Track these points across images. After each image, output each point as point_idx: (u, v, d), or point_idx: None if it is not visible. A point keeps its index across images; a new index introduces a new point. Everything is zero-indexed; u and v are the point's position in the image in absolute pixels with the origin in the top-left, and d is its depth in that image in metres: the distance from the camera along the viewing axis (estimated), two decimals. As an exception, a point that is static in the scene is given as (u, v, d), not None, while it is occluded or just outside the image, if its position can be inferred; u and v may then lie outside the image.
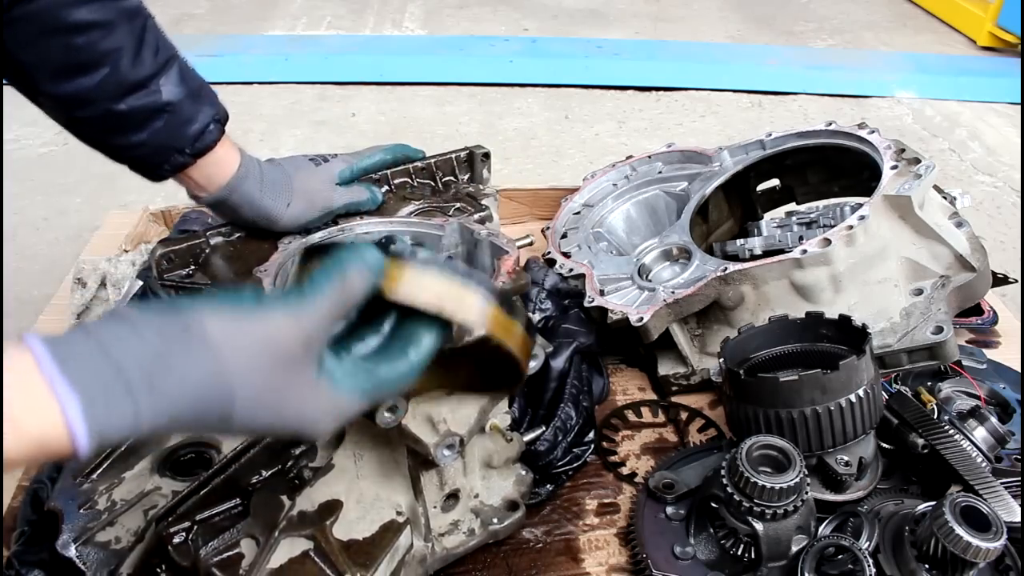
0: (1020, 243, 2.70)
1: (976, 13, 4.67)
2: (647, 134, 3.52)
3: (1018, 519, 1.00)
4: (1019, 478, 1.12)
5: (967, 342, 1.55)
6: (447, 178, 1.55)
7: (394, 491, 1.02)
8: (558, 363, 1.29)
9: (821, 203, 1.63)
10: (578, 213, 1.72)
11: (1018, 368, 1.43)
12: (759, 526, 1.00)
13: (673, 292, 1.35)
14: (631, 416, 1.42)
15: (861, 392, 1.06)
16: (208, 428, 0.65)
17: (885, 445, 1.17)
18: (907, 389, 1.25)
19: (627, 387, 1.49)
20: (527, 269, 1.47)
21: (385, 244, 0.71)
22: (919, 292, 1.29)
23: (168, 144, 1.11)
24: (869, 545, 1.00)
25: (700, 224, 1.65)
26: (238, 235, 1.34)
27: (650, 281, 1.45)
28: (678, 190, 1.67)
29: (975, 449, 1.10)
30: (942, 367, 1.34)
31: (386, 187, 1.48)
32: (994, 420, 1.15)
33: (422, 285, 0.70)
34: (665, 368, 1.43)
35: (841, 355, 1.07)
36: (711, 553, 1.07)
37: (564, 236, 1.65)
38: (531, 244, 1.39)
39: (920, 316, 1.25)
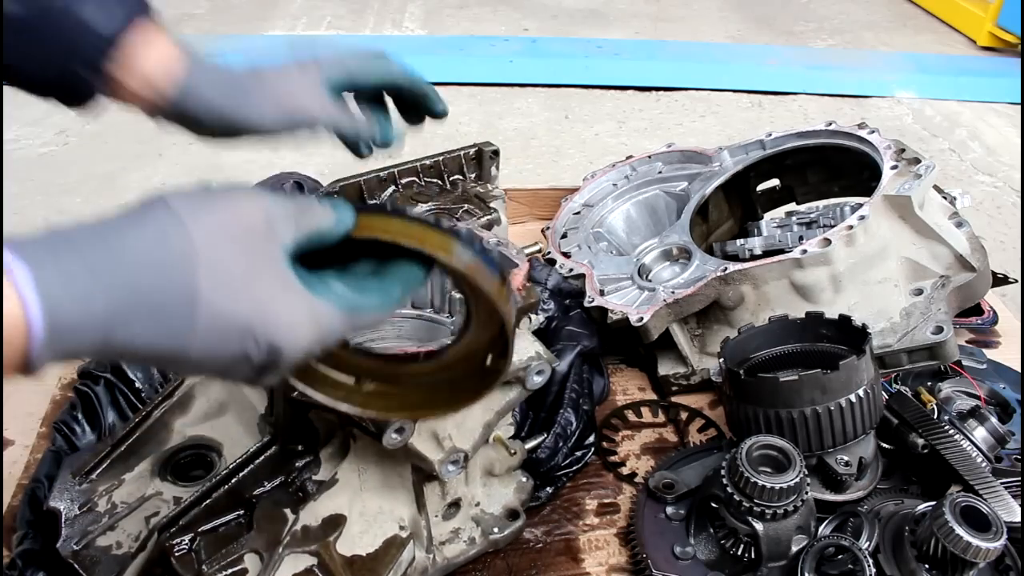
0: (1020, 243, 2.70)
1: (976, 13, 4.67)
2: (647, 134, 3.52)
3: (1018, 519, 1.00)
4: (1019, 478, 1.12)
5: (967, 342, 1.55)
6: (455, 176, 1.54)
7: (397, 504, 1.02)
8: (560, 367, 1.29)
9: (821, 203, 1.63)
10: (578, 213, 1.71)
11: (1018, 368, 1.43)
12: (759, 526, 1.00)
13: (673, 292, 1.35)
14: (631, 416, 1.42)
15: (861, 392, 1.06)
16: (171, 322, 0.57)
17: (885, 445, 1.17)
18: (907, 389, 1.25)
19: (627, 387, 1.49)
20: (529, 269, 1.47)
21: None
22: (919, 292, 1.29)
23: (72, 39, 0.86)
24: (869, 545, 1.00)
25: (700, 224, 1.65)
26: None
27: (650, 281, 1.45)
28: (678, 190, 1.67)
29: (975, 449, 1.10)
30: (942, 367, 1.34)
31: (393, 187, 1.47)
32: (994, 420, 1.15)
33: (398, 226, 0.70)
34: (665, 368, 1.43)
35: (841, 355, 1.07)
36: (711, 553, 1.07)
37: (564, 236, 1.65)
38: (540, 251, 1.37)
39: (920, 316, 1.25)
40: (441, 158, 1.52)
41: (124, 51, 0.87)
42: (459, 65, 3.93)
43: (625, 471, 1.30)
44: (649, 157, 1.76)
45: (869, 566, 0.95)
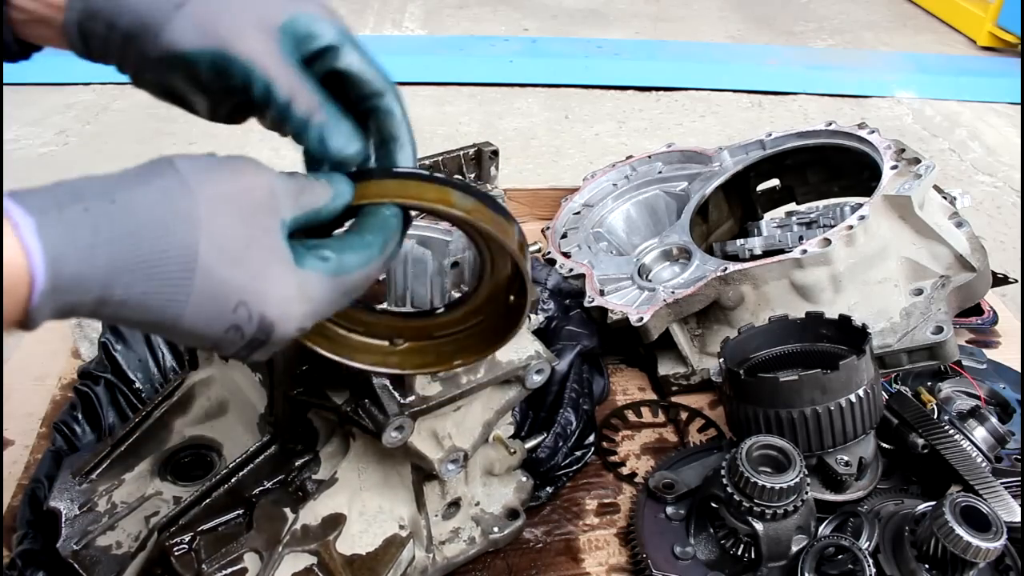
0: (1020, 243, 2.70)
1: (976, 13, 4.67)
2: (647, 134, 3.52)
3: (1018, 519, 1.00)
4: (1019, 478, 1.12)
5: (967, 342, 1.55)
6: (454, 176, 1.55)
7: (397, 503, 1.02)
8: (560, 367, 1.29)
9: (821, 203, 1.63)
10: (578, 213, 1.72)
11: (1018, 368, 1.43)
12: (759, 526, 1.00)
13: (673, 292, 1.35)
14: (631, 416, 1.42)
15: (861, 392, 1.06)
16: (168, 283, 0.56)
17: (885, 445, 1.17)
18: (907, 389, 1.25)
19: (627, 387, 1.49)
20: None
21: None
22: (919, 292, 1.29)
23: None
24: (869, 545, 1.00)
25: (700, 224, 1.65)
26: None
27: (650, 281, 1.45)
28: (678, 190, 1.67)
29: (975, 449, 1.10)
30: (942, 367, 1.34)
31: None
32: (994, 420, 1.15)
33: (394, 187, 0.70)
34: (665, 368, 1.43)
35: (841, 355, 1.07)
36: (711, 553, 1.07)
37: (564, 236, 1.65)
38: (539, 251, 1.38)
39: (920, 316, 1.25)
40: (440, 158, 1.52)
41: None
42: (459, 65, 3.94)
43: (625, 471, 1.30)
44: (649, 157, 1.76)
45: (869, 566, 0.95)
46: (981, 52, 4.59)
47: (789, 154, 1.64)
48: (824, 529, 1.06)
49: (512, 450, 1.15)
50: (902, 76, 4.06)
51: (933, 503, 0.99)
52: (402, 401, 0.92)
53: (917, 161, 1.38)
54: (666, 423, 1.41)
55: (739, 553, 1.05)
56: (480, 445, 1.02)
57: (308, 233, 0.67)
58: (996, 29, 4.51)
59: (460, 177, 1.57)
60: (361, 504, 1.00)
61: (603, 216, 1.70)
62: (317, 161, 0.71)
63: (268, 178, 0.63)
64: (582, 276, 1.47)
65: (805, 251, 1.28)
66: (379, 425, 0.90)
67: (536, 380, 1.01)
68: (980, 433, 1.14)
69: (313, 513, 0.98)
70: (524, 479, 1.18)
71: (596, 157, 3.16)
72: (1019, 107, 3.81)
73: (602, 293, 1.44)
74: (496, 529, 1.11)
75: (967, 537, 0.91)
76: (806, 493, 1.00)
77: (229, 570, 0.92)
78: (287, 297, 0.62)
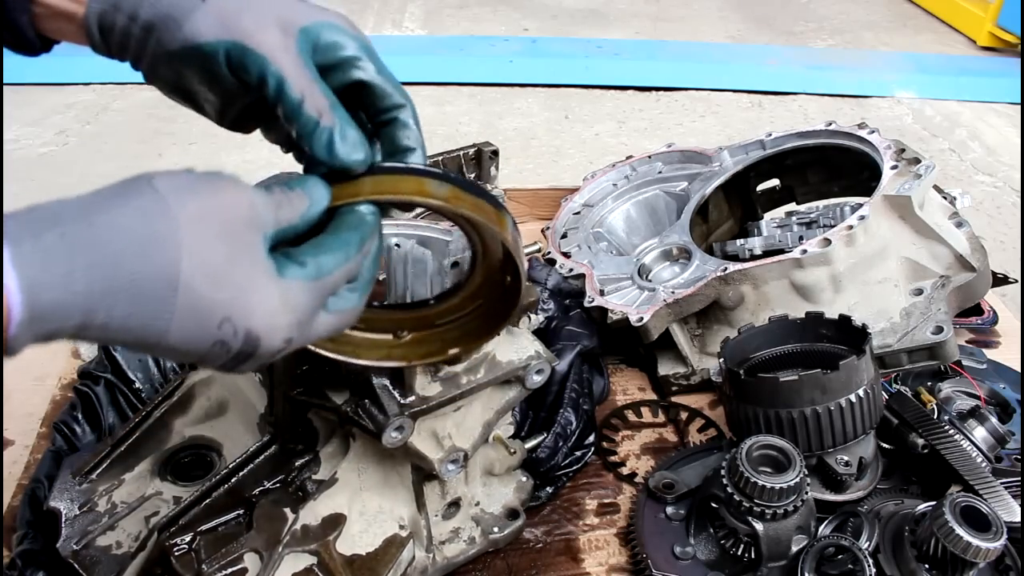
0: (1020, 243, 2.70)
1: (976, 13, 4.67)
2: (647, 134, 3.52)
3: (1018, 519, 1.00)
4: (1019, 478, 1.12)
5: (967, 342, 1.55)
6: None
7: (397, 503, 1.02)
8: (560, 367, 1.29)
9: (821, 203, 1.63)
10: (578, 213, 1.72)
11: (1018, 368, 1.43)
12: (759, 526, 1.00)
13: (673, 292, 1.35)
14: (631, 416, 1.42)
15: (861, 392, 1.06)
16: (151, 305, 0.56)
17: (885, 445, 1.17)
18: (907, 389, 1.25)
19: (627, 387, 1.49)
20: (529, 269, 1.47)
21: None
22: (919, 292, 1.29)
23: None
24: (869, 545, 1.00)
25: (700, 224, 1.65)
26: None
27: (650, 281, 1.45)
28: (678, 190, 1.67)
29: (975, 449, 1.10)
30: (942, 367, 1.34)
31: None
32: (994, 420, 1.15)
33: (370, 186, 0.70)
34: (665, 368, 1.43)
35: (841, 355, 1.07)
36: (711, 553, 1.07)
37: (564, 236, 1.65)
38: (539, 251, 1.38)
39: (920, 316, 1.25)
40: (441, 158, 1.52)
41: None
42: (459, 65, 3.94)
43: (625, 471, 1.30)
44: (649, 157, 1.76)
45: (869, 566, 0.95)
46: (981, 52, 4.59)
47: (789, 154, 1.64)
48: (824, 529, 1.06)
49: (512, 450, 1.15)
50: (902, 76, 4.06)
51: (933, 503, 0.99)
52: (402, 401, 0.92)
53: (917, 161, 1.38)
54: (666, 423, 1.41)
55: (739, 553, 1.05)
56: (480, 445, 1.02)
57: (288, 241, 0.67)
58: (996, 29, 4.51)
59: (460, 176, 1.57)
60: (361, 504, 1.00)
61: (603, 216, 1.70)
62: (318, 164, 0.71)
63: (248, 194, 0.63)
64: (582, 276, 1.47)
65: (805, 251, 1.28)
66: (379, 425, 0.90)
67: (536, 380, 1.02)
68: (980, 433, 1.14)
69: (313, 513, 0.98)
70: (524, 479, 1.18)
71: (596, 157, 3.16)
72: (1019, 107, 3.81)
73: (602, 293, 1.44)
74: (496, 529, 1.11)
75: (967, 537, 0.91)
76: (806, 493, 1.00)
77: (229, 570, 0.92)
78: (271, 309, 0.62)
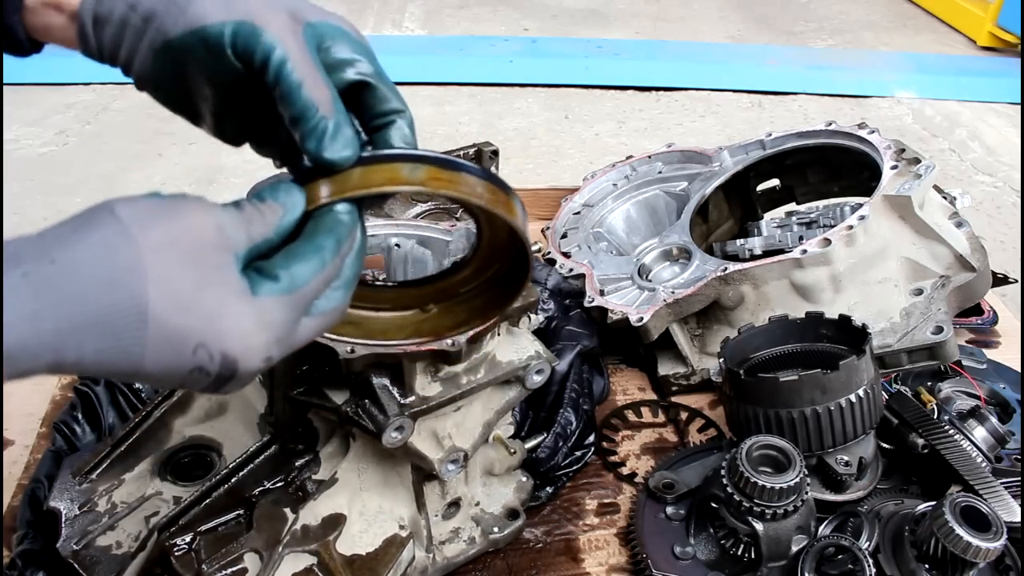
0: (1020, 243, 2.70)
1: (976, 13, 4.67)
2: (647, 134, 3.52)
3: (1018, 519, 1.00)
4: (1019, 478, 1.12)
5: (967, 342, 1.55)
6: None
7: (397, 503, 1.02)
8: (560, 367, 1.29)
9: (821, 203, 1.63)
10: (578, 213, 1.72)
11: (1018, 368, 1.43)
12: (759, 526, 1.00)
13: (673, 292, 1.35)
14: (631, 416, 1.42)
15: (861, 392, 1.06)
16: (121, 339, 0.55)
17: (885, 445, 1.17)
18: (907, 389, 1.25)
19: (627, 387, 1.49)
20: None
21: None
22: (919, 292, 1.29)
23: None
24: (869, 545, 1.00)
25: (700, 224, 1.65)
26: None
27: (650, 281, 1.45)
28: (678, 190, 1.67)
29: (975, 449, 1.10)
30: (942, 367, 1.34)
31: None
32: (994, 420, 1.15)
33: (341, 183, 0.67)
34: (665, 368, 1.43)
35: (841, 355, 1.07)
36: (711, 553, 1.07)
37: (564, 236, 1.65)
38: (539, 251, 1.37)
39: (920, 316, 1.25)
40: (441, 158, 1.52)
41: None
42: (459, 65, 3.94)
43: (625, 471, 1.30)
44: (649, 157, 1.76)
45: (869, 566, 0.95)
46: (981, 52, 4.59)
47: (789, 154, 1.64)
48: (824, 529, 1.06)
49: (512, 450, 1.15)
50: (902, 76, 4.06)
51: (933, 503, 0.99)
52: (402, 401, 0.92)
53: (917, 161, 1.38)
54: (666, 423, 1.41)
55: (739, 553, 1.05)
56: (480, 445, 1.02)
57: (264, 254, 0.65)
58: (996, 29, 4.51)
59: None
60: (361, 504, 1.00)
61: (603, 216, 1.70)
62: (301, 164, 0.70)
63: (214, 215, 0.61)
64: (582, 276, 1.47)
65: (805, 251, 1.28)
66: (379, 425, 0.90)
67: (536, 380, 1.02)
68: (980, 433, 1.14)
69: (313, 513, 0.98)
70: (524, 479, 1.18)
71: (596, 157, 3.16)
72: (1019, 107, 3.81)
73: (602, 293, 1.44)
74: (496, 529, 1.11)
75: (967, 537, 0.91)
76: (806, 493, 1.01)
77: (229, 570, 0.92)
78: (245, 331, 0.61)
